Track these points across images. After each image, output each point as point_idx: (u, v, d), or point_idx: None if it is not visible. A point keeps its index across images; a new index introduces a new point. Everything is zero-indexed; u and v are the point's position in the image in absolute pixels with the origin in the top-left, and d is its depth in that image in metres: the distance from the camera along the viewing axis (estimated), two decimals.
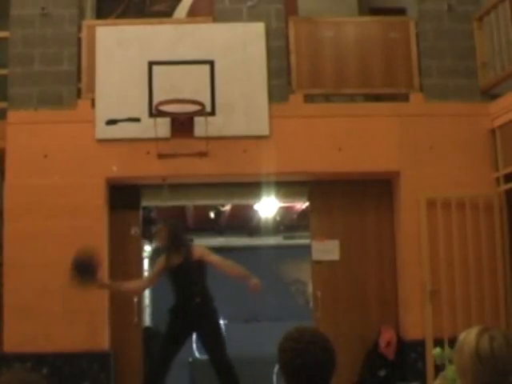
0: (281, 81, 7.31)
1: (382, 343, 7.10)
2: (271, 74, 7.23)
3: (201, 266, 6.40)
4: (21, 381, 2.05)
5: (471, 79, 7.37)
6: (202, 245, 6.85)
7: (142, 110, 6.93)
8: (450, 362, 3.51)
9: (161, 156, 6.92)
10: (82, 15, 7.56)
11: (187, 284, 6.36)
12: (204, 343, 6.45)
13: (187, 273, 6.35)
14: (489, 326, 2.44)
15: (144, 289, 6.72)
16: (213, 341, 6.34)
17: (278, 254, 12.22)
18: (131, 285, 6.59)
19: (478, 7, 7.49)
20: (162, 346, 6.47)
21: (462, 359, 2.36)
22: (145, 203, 7.66)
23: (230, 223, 11.66)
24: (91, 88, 7.12)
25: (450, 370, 3.97)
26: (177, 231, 6.59)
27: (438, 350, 5.25)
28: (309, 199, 7.67)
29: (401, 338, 7.17)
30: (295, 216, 10.88)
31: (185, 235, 6.89)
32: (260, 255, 12.12)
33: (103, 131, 7.04)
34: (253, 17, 7.35)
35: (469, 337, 2.38)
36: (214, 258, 6.42)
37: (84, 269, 5.97)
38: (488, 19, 7.29)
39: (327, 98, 7.84)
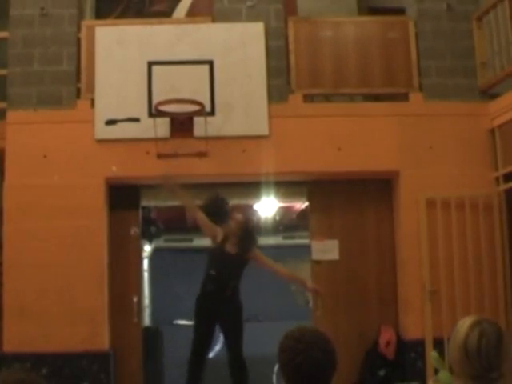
0: (280, 81, 7.31)
1: (382, 343, 7.11)
2: (271, 73, 7.23)
3: (245, 265, 6.48)
4: (19, 380, 2.05)
5: (470, 79, 7.37)
6: (257, 250, 6.69)
7: (141, 110, 6.93)
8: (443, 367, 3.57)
9: (160, 156, 6.92)
10: (81, 15, 7.56)
11: (227, 275, 6.37)
12: (226, 337, 6.53)
13: (234, 265, 6.40)
14: (486, 318, 2.49)
15: (200, 221, 6.54)
16: (234, 337, 6.42)
17: (278, 254, 12.17)
18: (196, 211, 6.56)
19: (478, 7, 7.49)
20: (197, 332, 6.45)
21: (452, 349, 2.44)
22: (144, 203, 7.66)
23: None
24: (91, 88, 7.12)
25: (444, 375, 4.01)
26: (253, 229, 6.69)
27: (434, 353, 5.22)
28: (308, 199, 7.67)
29: (400, 338, 7.17)
30: (295, 216, 10.87)
31: (256, 236, 6.78)
32: None
33: (103, 131, 7.04)
34: (252, 17, 7.35)
35: (462, 328, 2.44)
36: (267, 260, 6.59)
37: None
38: (487, 19, 7.29)
39: (327, 97, 7.85)
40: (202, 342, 6.43)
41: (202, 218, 6.51)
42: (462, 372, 2.42)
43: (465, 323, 2.45)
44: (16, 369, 2.07)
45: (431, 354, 5.03)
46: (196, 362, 6.41)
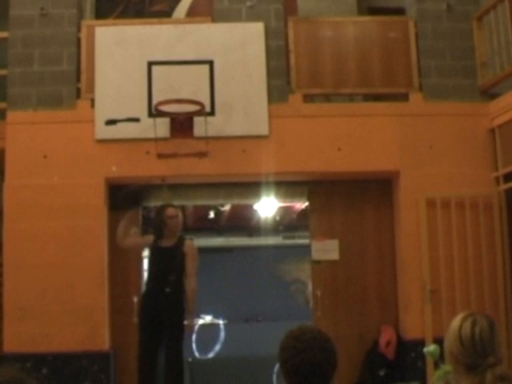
0: (280, 81, 7.31)
1: (382, 343, 7.11)
2: (270, 73, 7.23)
3: (183, 260, 6.39)
4: (7, 381, 2.03)
5: (470, 79, 7.37)
6: (194, 244, 6.73)
7: (141, 110, 6.93)
8: (436, 365, 3.62)
9: (160, 156, 6.92)
10: (81, 15, 7.56)
11: (165, 270, 6.34)
12: (165, 337, 6.35)
13: (170, 258, 6.35)
14: (476, 311, 2.61)
15: (126, 242, 6.57)
16: (172, 338, 6.31)
17: (278, 254, 12.23)
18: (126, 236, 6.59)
19: (477, 7, 7.49)
20: (141, 339, 6.44)
21: (448, 341, 2.52)
22: (144, 203, 7.65)
23: (229, 223, 11.67)
24: (91, 88, 7.12)
25: (433, 348, 4.17)
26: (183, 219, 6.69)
27: (426, 349, 5.21)
28: (308, 199, 7.67)
29: (400, 338, 7.17)
30: (295, 216, 10.89)
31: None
32: (260, 255, 12.15)
33: (103, 131, 7.04)
34: (252, 17, 7.35)
35: (454, 321, 2.54)
36: (192, 267, 6.37)
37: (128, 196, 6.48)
38: (487, 19, 7.29)
39: (327, 97, 7.85)
40: (148, 344, 6.33)
41: (130, 238, 6.62)
42: (458, 364, 2.48)
43: (457, 317, 2.55)
44: (7, 368, 2.04)
45: (424, 351, 5.08)
46: (144, 365, 6.33)
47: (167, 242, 6.47)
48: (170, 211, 6.52)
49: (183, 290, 6.35)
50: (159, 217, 6.53)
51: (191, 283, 6.35)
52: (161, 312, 6.27)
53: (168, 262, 6.37)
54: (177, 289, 6.32)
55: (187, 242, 6.55)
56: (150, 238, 6.61)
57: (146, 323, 6.38)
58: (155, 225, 6.60)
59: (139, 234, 6.88)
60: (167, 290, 6.28)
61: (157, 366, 6.36)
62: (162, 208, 6.60)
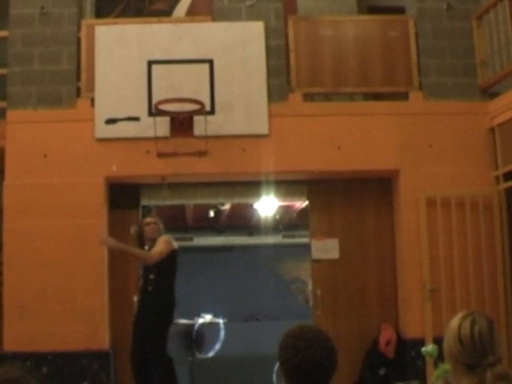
0: (280, 80, 7.31)
1: (382, 342, 7.11)
2: (270, 72, 7.23)
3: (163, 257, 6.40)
4: (9, 380, 2.02)
5: (470, 78, 7.37)
6: (166, 236, 6.65)
7: (141, 109, 6.93)
8: (436, 364, 3.63)
9: (160, 155, 6.92)
10: (81, 14, 7.56)
11: (145, 268, 6.45)
12: (143, 335, 6.35)
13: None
14: (475, 311, 2.59)
15: (159, 255, 6.61)
16: (149, 333, 6.31)
17: (278, 253, 12.22)
18: (143, 253, 6.54)
19: (477, 6, 7.49)
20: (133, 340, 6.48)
21: (447, 341, 2.51)
22: (144, 202, 7.65)
23: (229, 222, 11.66)
24: (91, 87, 7.12)
25: (431, 347, 4.18)
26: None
27: (424, 349, 5.21)
28: (308, 198, 7.67)
29: (401, 337, 7.17)
30: (295, 215, 10.88)
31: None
32: (260, 254, 12.14)
33: (103, 130, 7.04)
34: (252, 16, 7.35)
35: (454, 321, 2.53)
36: (153, 249, 6.40)
37: None
38: (487, 18, 7.29)
39: (327, 96, 7.85)
40: (134, 337, 6.41)
41: (159, 251, 6.45)
42: (458, 363, 2.47)
43: (456, 317, 2.54)
44: (8, 366, 2.03)
45: (422, 351, 5.09)
46: (133, 365, 6.39)
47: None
48: (147, 219, 6.72)
49: (165, 288, 6.44)
50: (139, 225, 6.73)
51: (149, 252, 6.39)
52: (142, 310, 6.40)
53: (149, 268, 6.45)
54: (157, 287, 6.39)
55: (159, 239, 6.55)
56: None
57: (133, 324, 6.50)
58: (137, 234, 6.69)
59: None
60: (149, 288, 6.38)
61: (146, 365, 6.35)
62: (143, 218, 6.96)
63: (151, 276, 6.38)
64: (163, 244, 6.43)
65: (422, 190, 7.04)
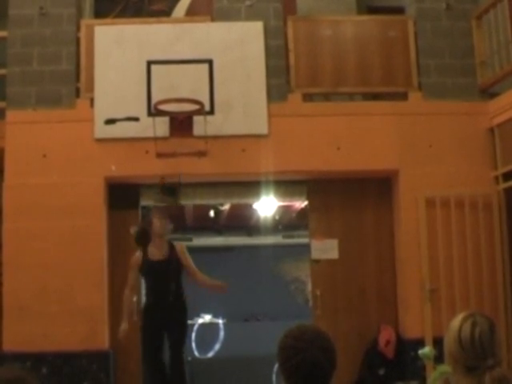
0: (279, 80, 7.31)
1: (382, 342, 7.11)
2: (270, 72, 7.23)
3: (179, 263, 6.42)
4: (10, 379, 2.02)
5: (470, 78, 7.37)
6: (182, 243, 6.82)
7: (140, 110, 6.93)
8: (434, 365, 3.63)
9: (160, 155, 6.91)
10: (80, 14, 7.56)
11: (163, 283, 6.34)
12: (169, 338, 6.39)
13: (166, 270, 6.35)
14: (477, 312, 2.58)
15: (131, 296, 6.66)
16: (176, 338, 6.35)
17: (277, 253, 12.22)
18: (127, 300, 6.54)
19: (477, 6, 7.49)
20: (144, 348, 6.47)
21: (448, 342, 2.52)
22: (144, 202, 7.65)
23: (229, 222, 11.66)
24: (90, 87, 7.12)
25: (428, 349, 4.19)
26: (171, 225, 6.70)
27: (421, 352, 5.19)
28: (308, 198, 7.67)
29: (400, 337, 7.17)
30: (294, 215, 10.88)
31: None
32: (259, 254, 12.13)
33: (102, 130, 7.04)
34: (251, 16, 7.35)
35: (455, 322, 2.53)
36: (191, 264, 6.49)
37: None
38: (486, 18, 7.29)
39: (326, 96, 7.84)
40: (153, 354, 6.36)
41: (127, 294, 6.53)
42: (458, 365, 2.47)
43: (457, 318, 2.54)
44: (9, 367, 2.03)
45: (419, 353, 5.08)
46: (153, 369, 6.40)
47: (158, 253, 6.43)
48: (161, 214, 6.62)
49: (183, 293, 6.42)
50: (147, 221, 6.64)
51: (201, 276, 6.53)
52: (164, 317, 6.32)
53: (166, 275, 6.35)
54: (178, 295, 6.38)
55: (177, 247, 6.53)
56: (136, 259, 6.50)
57: (150, 329, 6.40)
58: (141, 231, 6.58)
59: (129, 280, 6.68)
60: (170, 298, 6.32)
61: (165, 367, 6.40)
62: (150, 212, 6.89)
63: (172, 287, 6.33)
64: (189, 256, 6.53)
65: (421, 189, 7.04)
